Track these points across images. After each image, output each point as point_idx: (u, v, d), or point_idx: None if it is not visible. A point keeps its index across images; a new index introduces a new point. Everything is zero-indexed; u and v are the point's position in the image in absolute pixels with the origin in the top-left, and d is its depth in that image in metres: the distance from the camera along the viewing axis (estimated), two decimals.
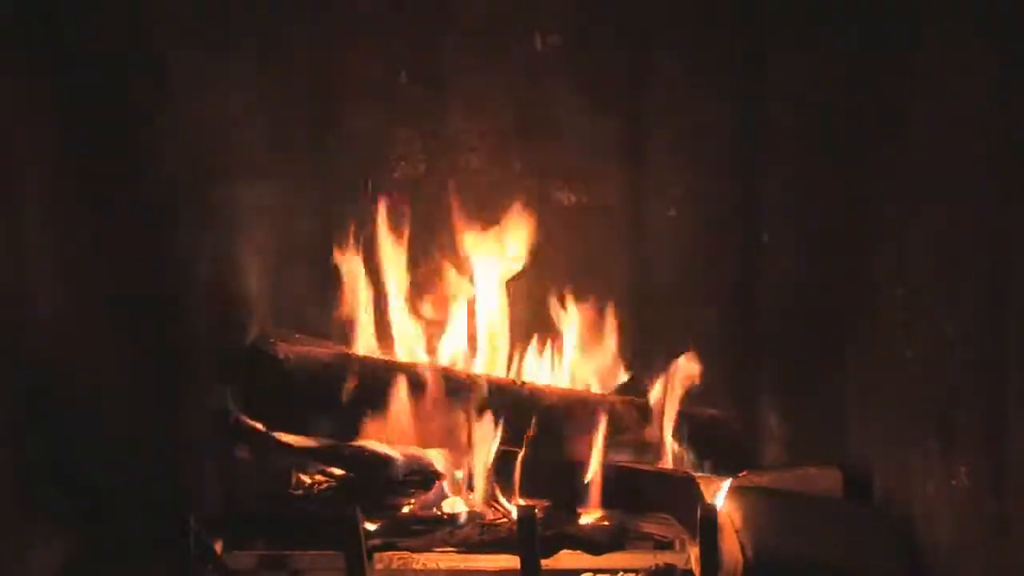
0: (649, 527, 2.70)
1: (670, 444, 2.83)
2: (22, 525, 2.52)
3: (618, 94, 3.03)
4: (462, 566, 2.64)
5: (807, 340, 3.02)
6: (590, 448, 2.73)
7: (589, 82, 3.02)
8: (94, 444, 2.73)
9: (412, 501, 2.77)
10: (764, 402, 3.08)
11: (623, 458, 2.80)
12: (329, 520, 2.55)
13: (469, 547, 2.63)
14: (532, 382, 2.90)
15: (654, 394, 2.85)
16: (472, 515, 2.71)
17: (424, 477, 2.78)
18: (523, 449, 2.72)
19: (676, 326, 3.04)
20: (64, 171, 2.70)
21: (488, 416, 2.72)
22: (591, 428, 2.75)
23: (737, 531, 2.54)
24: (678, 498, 2.65)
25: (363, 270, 2.96)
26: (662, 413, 2.85)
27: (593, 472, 2.70)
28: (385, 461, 2.78)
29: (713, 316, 3.06)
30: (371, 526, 2.65)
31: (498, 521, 2.69)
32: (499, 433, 2.72)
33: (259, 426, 2.76)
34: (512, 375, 2.95)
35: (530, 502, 2.64)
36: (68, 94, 2.69)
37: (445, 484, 2.78)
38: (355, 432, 2.75)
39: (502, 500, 2.73)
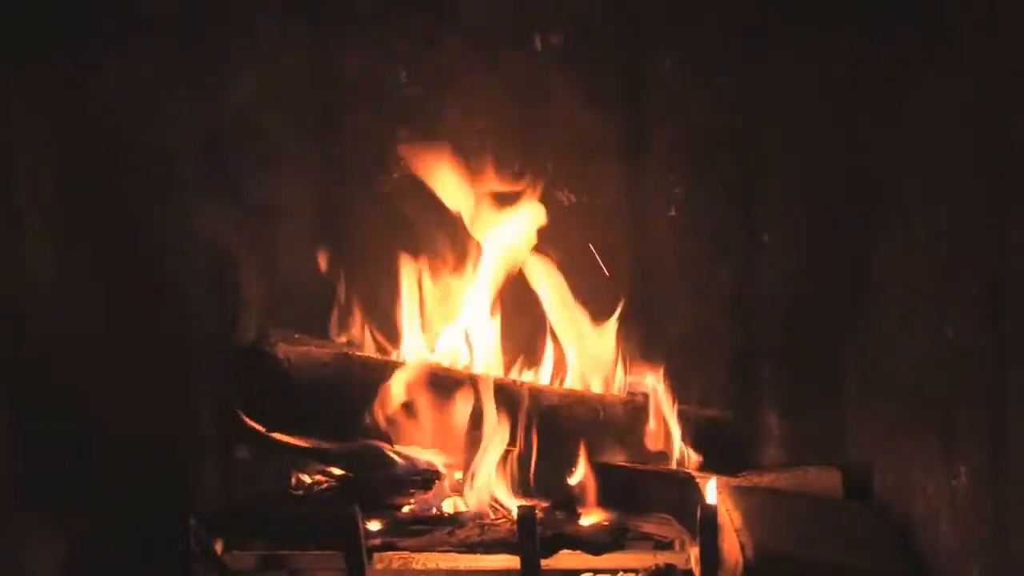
0: (649, 527, 2.70)
1: (668, 443, 2.83)
2: (22, 525, 2.52)
3: (618, 94, 3.04)
4: (462, 566, 2.64)
5: (807, 341, 3.02)
6: (590, 448, 2.73)
7: (589, 82, 3.02)
8: (94, 444, 2.73)
9: (412, 501, 2.77)
10: (764, 402, 3.08)
11: (623, 458, 2.80)
12: (329, 520, 2.55)
13: (469, 547, 2.63)
14: (532, 382, 2.90)
15: (652, 394, 2.85)
16: (472, 515, 2.71)
17: (424, 477, 2.78)
18: (523, 449, 2.72)
19: (676, 326, 3.04)
20: (64, 170, 2.70)
21: (488, 416, 2.72)
22: (591, 428, 2.75)
23: (737, 531, 2.54)
24: (678, 498, 2.65)
25: (363, 270, 2.96)
26: (660, 413, 2.85)
27: (593, 472, 2.70)
28: (385, 461, 2.78)
29: (714, 316, 3.06)
30: (371, 526, 2.65)
31: (498, 521, 2.69)
32: (499, 433, 2.72)
33: (259, 426, 2.76)
34: (512, 375, 2.95)
35: (530, 502, 2.64)
36: (68, 92, 2.69)
37: (445, 484, 2.78)
38: (355, 432, 2.75)
39: (502, 500, 2.73)
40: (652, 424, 2.84)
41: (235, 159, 2.98)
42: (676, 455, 2.83)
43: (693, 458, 2.84)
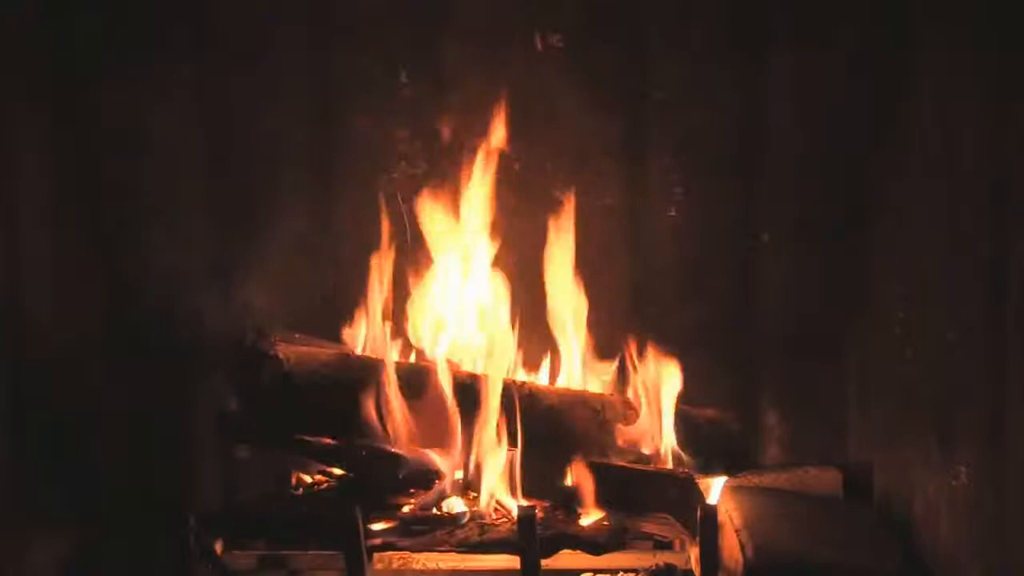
0: (649, 527, 2.70)
1: (669, 443, 2.83)
2: (22, 525, 2.52)
3: (618, 94, 3.03)
4: (462, 566, 2.64)
5: (807, 340, 3.02)
6: (590, 448, 2.73)
7: (589, 82, 3.02)
8: (94, 444, 2.74)
9: (412, 501, 2.77)
10: (764, 402, 3.08)
11: (623, 458, 2.80)
12: (329, 520, 2.55)
13: (469, 547, 2.63)
14: (532, 382, 2.90)
15: (652, 394, 2.86)
16: (472, 515, 2.71)
17: (424, 477, 2.78)
18: (523, 449, 2.72)
19: (676, 326, 3.04)
20: (63, 170, 2.70)
21: (489, 416, 2.72)
22: (591, 428, 2.75)
23: (737, 531, 2.54)
24: (678, 498, 2.65)
25: (365, 270, 2.97)
26: (661, 412, 2.85)
27: (593, 472, 2.70)
28: (385, 461, 2.78)
29: (713, 316, 3.06)
30: (371, 526, 2.65)
31: (498, 521, 2.69)
32: (499, 433, 2.72)
33: (258, 426, 2.76)
34: (512, 375, 2.95)
35: (530, 502, 2.64)
36: (69, 96, 2.70)
37: (445, 484, 2.78)
38: (355, 432, 2.75)
39: (502, 500, 2.73)
40: (651, 424, 2.84)
41: (236, 160, 2.98)
42: (674, 454, 2.83)
43: (692, 457, 2.84)
